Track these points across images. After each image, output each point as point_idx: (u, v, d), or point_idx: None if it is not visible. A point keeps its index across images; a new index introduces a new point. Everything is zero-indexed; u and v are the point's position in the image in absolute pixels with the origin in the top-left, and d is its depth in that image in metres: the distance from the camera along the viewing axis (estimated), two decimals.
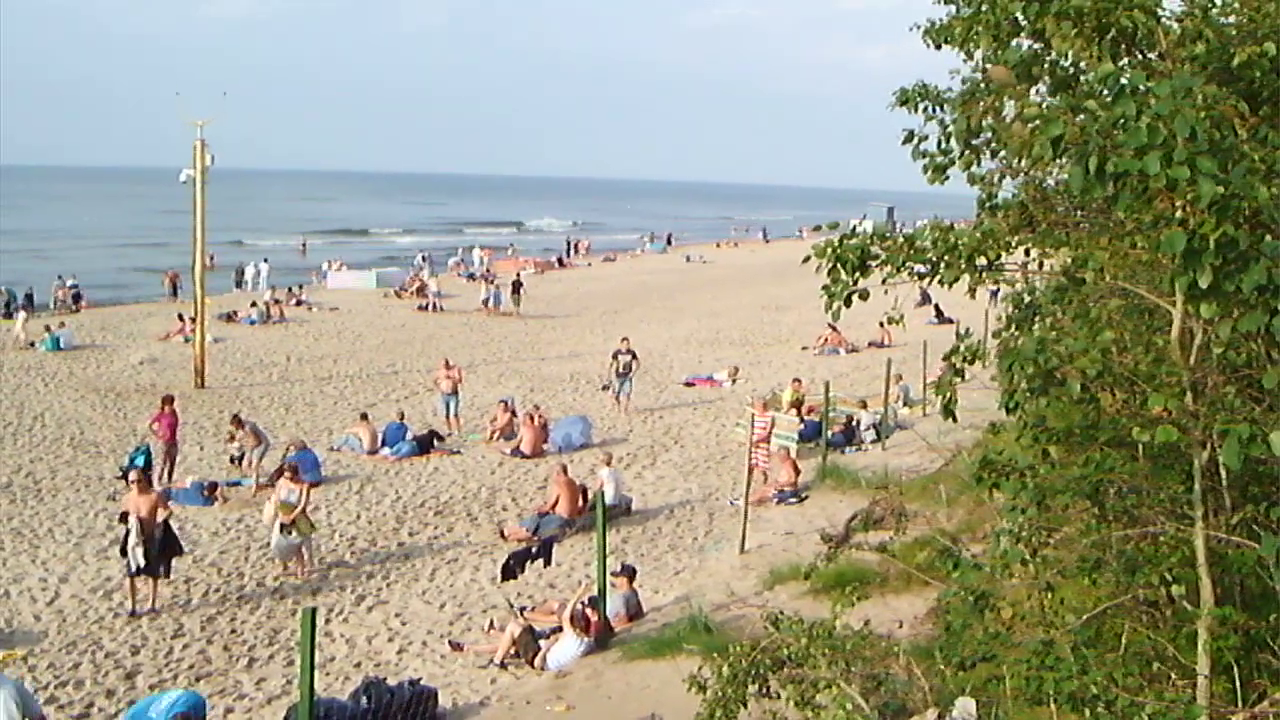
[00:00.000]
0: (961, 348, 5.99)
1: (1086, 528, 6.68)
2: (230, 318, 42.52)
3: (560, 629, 12.62)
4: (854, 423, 24.12)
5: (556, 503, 18.26)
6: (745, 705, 6.66)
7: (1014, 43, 6.23)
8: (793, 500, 18.93)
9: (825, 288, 5.72)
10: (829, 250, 5.71)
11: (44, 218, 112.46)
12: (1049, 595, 6.44)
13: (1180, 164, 4.14)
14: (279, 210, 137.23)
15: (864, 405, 24.66)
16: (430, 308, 48.53)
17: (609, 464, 19.65)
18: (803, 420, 22.32)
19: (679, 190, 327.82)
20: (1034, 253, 7.05)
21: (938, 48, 6.89)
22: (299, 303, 48.86)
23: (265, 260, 58.92)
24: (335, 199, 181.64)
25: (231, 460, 22.02)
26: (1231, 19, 6.25)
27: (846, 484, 19.24)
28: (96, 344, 37.43)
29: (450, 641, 13.60)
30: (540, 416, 24.35)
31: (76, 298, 47.68)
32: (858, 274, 5.66)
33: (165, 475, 20.96)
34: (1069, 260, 6.67)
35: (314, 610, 8.57)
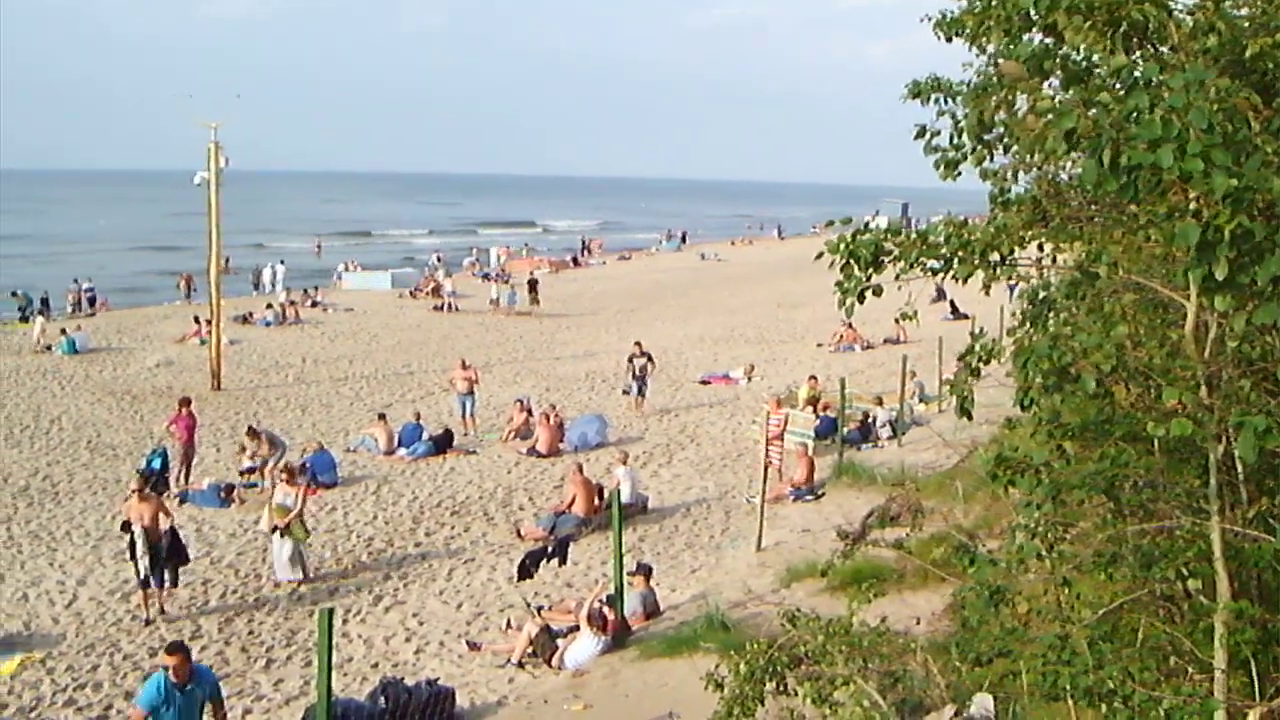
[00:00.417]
0: (976, 348, 5.97)
1: (1102, 523, 6.66)
2: (246, 319, 42.72)
3: (577, 628, 12.63)
4: (870, 419, 24.11)
5: (573, 502, 18.29)
6: (763, 703, 6.66)
7: (1025, 37, 6.20)
8: (809, 497, 18.91)
9: (838, 284, 5.71)
10: (842, 246, 5.70)
11: (54, 222, 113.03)
12: (1065, 590, 6.42)
13: (1194, 157, 4.12)
14: (291, 211, 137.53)
15: (880, 402, 24.62)
16: (445, 308, 48.65)
17: (625, 462, 19.66)
18: (819, 417, 22.29)
19: (688, 188, 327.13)
20: (1048, 247, 7.02)
21: (949, 40, 6.86)
22: (314, 304, 49.05)
23: (282, 262, 59.05)
24: (346, 200, 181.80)
25: (241, 475, 21.26)
26: (1244, 11, 6.21)
27: (863, 481, 19.22)
28: (113, 347, 37.66)
29: (467, 641, 13.63)
30: (556, 416, 24.41)
31: (92, 301, 47.97)
32: (871, 270, 5.65)
33: (182, 477, 21.07)
34: (1083, 255, 6.64)
35: (331, 611, 8.60)
